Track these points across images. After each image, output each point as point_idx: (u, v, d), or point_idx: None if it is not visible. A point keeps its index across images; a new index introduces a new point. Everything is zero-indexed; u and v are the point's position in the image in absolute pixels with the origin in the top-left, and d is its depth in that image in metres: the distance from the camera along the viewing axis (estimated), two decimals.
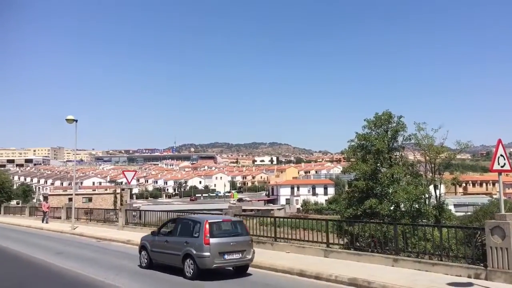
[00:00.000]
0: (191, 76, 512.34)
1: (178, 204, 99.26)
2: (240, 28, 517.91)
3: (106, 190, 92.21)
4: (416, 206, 27.40)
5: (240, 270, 12.49)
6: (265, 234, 16.77)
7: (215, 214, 21.22)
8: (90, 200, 75.55)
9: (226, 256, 11.85)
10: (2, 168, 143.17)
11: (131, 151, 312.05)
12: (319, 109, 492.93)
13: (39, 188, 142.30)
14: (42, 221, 35.20)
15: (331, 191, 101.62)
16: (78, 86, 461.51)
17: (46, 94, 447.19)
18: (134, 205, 34.52)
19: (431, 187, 30.24)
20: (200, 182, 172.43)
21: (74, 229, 27.72)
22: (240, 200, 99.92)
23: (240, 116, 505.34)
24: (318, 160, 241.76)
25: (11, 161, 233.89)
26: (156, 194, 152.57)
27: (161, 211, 24.67)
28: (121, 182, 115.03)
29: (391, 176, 28.03)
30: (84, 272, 13.11)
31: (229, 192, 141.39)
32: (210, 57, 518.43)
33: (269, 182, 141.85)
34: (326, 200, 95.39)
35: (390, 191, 27.49)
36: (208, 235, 11.78)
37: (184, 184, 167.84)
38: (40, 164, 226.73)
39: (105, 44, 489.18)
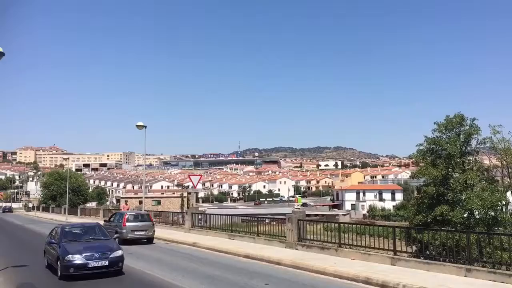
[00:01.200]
0: (254, 81, 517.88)
1: (243, 208, 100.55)
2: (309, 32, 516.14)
3: (174, 193, 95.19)
4: (492, 213, 25.87)
5: (148, 241, 22.71)
6: (329, 239, 16.51)
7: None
8: (159, 203, 78.44)
9: (136, 233, 22.48)
10: (79, 172, 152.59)
11: (197, 156, 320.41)
12: (385, 113, 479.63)
13: (112, 191, 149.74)
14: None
15: (399, 196, 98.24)
16: (147, 93, 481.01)
17: (117, 101, 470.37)
18: (200, 208, 35.17)
19: (509, 194, 28.43)
20: (264, 187, 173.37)
21: None
22: (304, 204, 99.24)
23: (304, 121, 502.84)
24: (385, 165, 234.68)
25: (87, 165, 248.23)
26: (221, 198, 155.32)
27: (225, 215, 25.04)
28: (188, 186, 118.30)
29: (464, 181, 26.70)
30: (152, 272, 13.59)
31: (293, 196, 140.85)
32: (274, 62, 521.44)
33: (333, 187, 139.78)
34: (393, 206, 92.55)
35: (463, 198, 26.19)
36: (126, 219, 22.71)
37: (248, 189, 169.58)
38: (113, 168, 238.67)
39: (173, 47, 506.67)
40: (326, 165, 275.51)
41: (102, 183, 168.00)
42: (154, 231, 23.28)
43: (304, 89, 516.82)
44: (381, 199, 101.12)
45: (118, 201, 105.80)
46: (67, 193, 65.62)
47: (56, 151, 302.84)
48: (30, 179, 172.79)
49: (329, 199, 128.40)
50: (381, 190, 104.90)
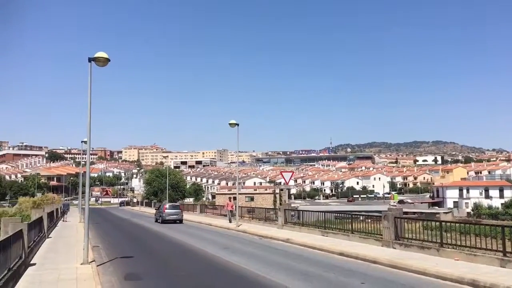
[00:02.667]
0: (346, 77, 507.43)
1: (336, 204, 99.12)
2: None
3: (266, 190, 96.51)
4: None
5: (179, 222, 36.97)
6: (429, 238, 15.59)
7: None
8: (252, 199, 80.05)
9: (171, 216, 37.12)
10: (177, 169, 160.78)
11: (288, 153, 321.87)
12: (489, 103, 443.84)
13: (207, 187, 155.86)
14: (230, 221, 33.94)
15: (508, 193, 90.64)
16: (238, 91, 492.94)
17: (213, 100, 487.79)
18: (292, 205, 35.25)
19: None
20: (358, 183, 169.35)
21: (238, 226, 29.54)
22: (401, 202, 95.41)
23: (400, 114, 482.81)
24: (491, 159, 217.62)
25: (184, 163, 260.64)
26: (313, 194, 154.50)
27: (318, 211, 24.76)
28: (280, 183, 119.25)
29: None
30: (248, 267, 13.82)
31: (388, 193, 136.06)
32: (369, 55, 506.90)
33: (433, 183, 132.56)
34: (502, 204, 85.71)
35: None
36: (166, 208, 38.20)
37: (341, 185, 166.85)
38: (208, 165, 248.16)
39: (271, 44, 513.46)
40: (424, 161, 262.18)
41: (198, 179, 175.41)
42: (182, 215, 38.86)
43: (401, 82, 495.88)
44: (487, 197, 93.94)
45: (213, 197, 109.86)
46: (167, 189, 69.43)
47: (156, 149, 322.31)
48: (134, 176, 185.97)
49: (428, 196, 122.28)
50: (487, 187, 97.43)
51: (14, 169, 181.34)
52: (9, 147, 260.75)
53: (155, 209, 47.19)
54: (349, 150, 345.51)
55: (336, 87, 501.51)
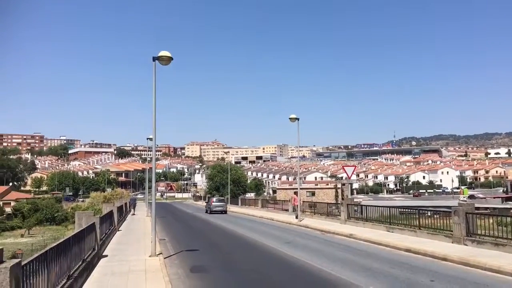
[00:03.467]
0: (409, 67, 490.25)
1: (400, 199, 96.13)
2: None
3: (327, 184, 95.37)
4: None
5: (223, 212, 45.16)
6: (504, 235, 14.68)
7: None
8: (313, 194, 79.36)
9: (216, 208, 45.57)
10: (238, 165, 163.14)
11: (350, 147, 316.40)
12: None
13: (268, 182, 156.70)
14: (296, 217, 31.09)
15: None
16: (299, 85, 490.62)
17: (273, 95, 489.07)
18: (354, 200, 34.62)
19: None
20: (424, 177, 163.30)
21: (300, 221, 29.42)
22: (471, 197, 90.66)
23: (470, 105, 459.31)
24: None
25: (244, 158, 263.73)
26: (377, 189, 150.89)
27: (383, 206, 24.10)
28: (341, 177, 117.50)
29: None
30: (311, 262, 13.72)
31: (457, 188, 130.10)
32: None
33: (506, 177, 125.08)
34: None
35: None
36: (213, 201, 47.45)
37: (405, 179, 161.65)
38: (268, 160, 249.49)
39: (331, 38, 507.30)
40: (497, 153, 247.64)
41: (259, 174, 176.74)
42: (226, 208, 47.17)
43: (466, 71, 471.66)
44: None
45: (274, 192, 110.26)
46: (229, 184, 70.53)
47: (218, 145, 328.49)
48: (197, 171, 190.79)
49: (501, 190, 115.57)
50: None
51: (86, 166, 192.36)
52: (81, 145, 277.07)
53: (205, 202, 58.79)
54: (414, 143, 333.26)
55: (397, 79, 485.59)
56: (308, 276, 11.80)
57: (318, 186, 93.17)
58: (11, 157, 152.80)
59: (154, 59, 14.94)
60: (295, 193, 63.05)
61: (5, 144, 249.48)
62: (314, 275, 11.76)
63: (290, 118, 29.50)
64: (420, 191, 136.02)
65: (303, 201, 38.76)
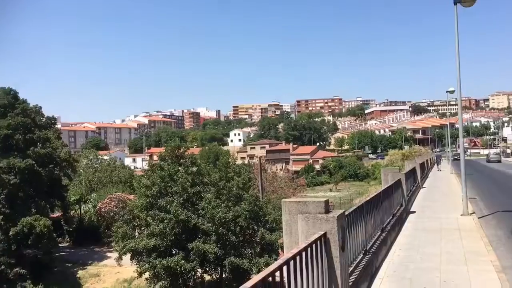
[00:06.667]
0: None
1: None
2: None
3: None
4: None
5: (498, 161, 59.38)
6: None
7: None
8: None
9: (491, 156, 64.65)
10: None
11: None
12: None
13: None
14: None
15: None
16: None
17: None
18: None
19: None
20: None
21: None
22: None
23: None
24: None
25: None
26: None
27: None
28: None
29: None
30: None
31: None
32: None
33: None
34: None
35: None
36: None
37: None
38: None
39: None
40: None
41: None
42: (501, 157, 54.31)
43: None
44: None
45: None
46: None
47: None
48: (506, 124, 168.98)
49: None
50: None
51: (382, 124, 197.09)
52: (376, 104, 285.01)
53: None
54: None
55: None
56: None
57: None
58: (316, 119, 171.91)
59: (455, 2, 13.70)
60: None
61: (310, 108, 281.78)
62: None
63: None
64: None
65: None
